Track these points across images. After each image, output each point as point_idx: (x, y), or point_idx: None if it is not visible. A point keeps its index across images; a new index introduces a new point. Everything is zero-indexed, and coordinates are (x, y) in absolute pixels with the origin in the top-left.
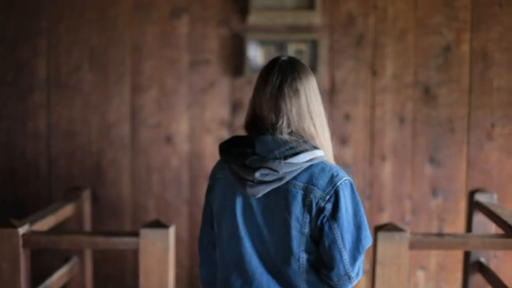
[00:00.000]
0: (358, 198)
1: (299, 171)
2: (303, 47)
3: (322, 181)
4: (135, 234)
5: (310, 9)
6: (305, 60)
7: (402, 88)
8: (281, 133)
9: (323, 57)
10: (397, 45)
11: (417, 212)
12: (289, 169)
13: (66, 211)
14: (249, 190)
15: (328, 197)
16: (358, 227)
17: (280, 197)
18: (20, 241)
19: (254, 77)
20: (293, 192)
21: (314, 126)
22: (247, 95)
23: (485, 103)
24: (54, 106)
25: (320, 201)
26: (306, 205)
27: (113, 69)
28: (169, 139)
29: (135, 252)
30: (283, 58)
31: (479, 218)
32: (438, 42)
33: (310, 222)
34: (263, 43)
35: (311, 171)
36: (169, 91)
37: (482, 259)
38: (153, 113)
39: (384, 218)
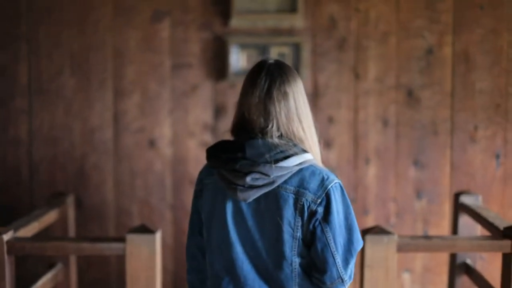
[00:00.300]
0: (348, 200)
1: (289, 175)
2: (286, 50)
3: (313, 185)
4: (121, 239)
5: (292, 12)
6: (288, 63)
7: (385, 91)
8: (271, 137)
9: (306, 61)
10: (380, 48)
11: (402, 214)
12: (280, 173)
13: (50, 216)
14: (240, 195)
15: (319, 200)
16: (349, 230)
17: (271, 201)
18: (5, 248)
19: (237, 81)
20: (284, 196)
21: (303, 129)
22: (230, 98)
23: (467, 106)
24: (36, 112)
25: (312, 204)
26: (298, 208)
27: (95, 74)
28: (152, 144)
29: (120, 257)
30: (270, 61)
31: (464, 220)
32: (420, 45)
33: (302, 226)
34: (245, 46)
35: (302, 174)
36: (151, 95)
37: (468, 261)
38: (136, 117)
39: (369, 221)
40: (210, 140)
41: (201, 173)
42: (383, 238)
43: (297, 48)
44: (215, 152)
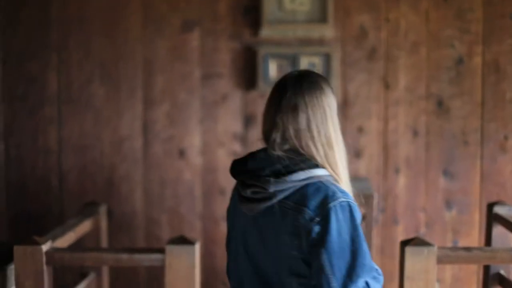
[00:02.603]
0: (358, 222)
1: (292, 190)
2: (316, 60)
3: (314, 202)
4: (161, 250)
5: (322, 22)
6: (318, 73)
7: (415, 101)
8: (275, 149)
9: (335, 70)
10: (410, 58)
11: (431, 224)
12: (280, 187)
13: (84, 226)
14: (244, 207)
15: (317, 219)
16: (353, 254)
17: (273, 216)
18: (44, 259)
19: (267, 91)
20: (284, 212)
21: (315, 145)
22: (259, 108)
23: (498, 116)
24: (65, 120)
25: (309, 222)
26: (295, 226)
27: (124, 83)
28: (181, 153)
29: (149, 268)
30: (294, 73)
31: (498, 231)
32: (450, 55)
33: (300, 244)
34: (275, 56)
35: (305, 190)
36: (181, 105)
37: (502, 272)
38: (165, 127)
39: (399, 231)
40: (239, 149)
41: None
42: (423, 250)
43: (327, 58)
44: (234, 164)
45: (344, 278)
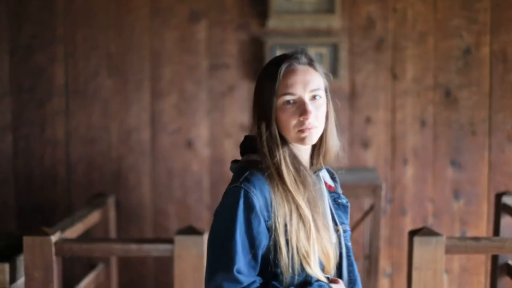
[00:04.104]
0: (241, 214)
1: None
2: (323, 50)
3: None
4: (169, 241)
5: (330, 12)
6: (325, 63)
7: (422, 91)
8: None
9: (343, 61)
10: (417, 48)
11: (439, 215)
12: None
13: (93, 218)
14: None
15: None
16: (218, 247)
17: None
18: (53, 249)
19: None
20: None
21: (254, 125)
22: None
23: (505, 106)
24: (73, 112)
25: None
26: None
27: (132, 75)
28: (189, 144)
29: (157, 258)
30: None
31: (506, 221)
32: (458, 45)
33: None
34: (283, 47)
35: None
36: (188, 96)
37: (510, 262)
38: (173, 118)
39: (407, 222)
40: None
41: None
42: (431, 240)
43: (334, 49)
44: None
45: (207, 271)
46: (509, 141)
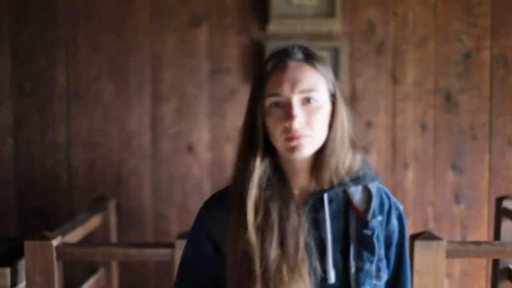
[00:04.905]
0: (193, 228)
1: None
2: (324, 54)
3: None
4: (170, 245)
5: (330, 16)
6: None
7: (423, 95)
8: None
9: (343, 65)
10: (418, 52)
11: (440, 219)
12: None
13: (94, 222)
14: None
15: None
16: None
17: None
18: (54, 253)
19: None
20: None
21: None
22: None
23: (506, 110)
24: (74, 116)
25: None
26: None
27: (133, 79)
28: (190, 148)
29: (158, 262)
30: None
31: (507, 225)
32: (458, 49)
33: None
34: None
35: None
36: (189, 100)
37: (511, 266)
38: (174, 122)
39: (407, 225)
40: None
41: None
42: (432, 244)
43: (335, 53)
44: None
45: None
46: (510, 145)
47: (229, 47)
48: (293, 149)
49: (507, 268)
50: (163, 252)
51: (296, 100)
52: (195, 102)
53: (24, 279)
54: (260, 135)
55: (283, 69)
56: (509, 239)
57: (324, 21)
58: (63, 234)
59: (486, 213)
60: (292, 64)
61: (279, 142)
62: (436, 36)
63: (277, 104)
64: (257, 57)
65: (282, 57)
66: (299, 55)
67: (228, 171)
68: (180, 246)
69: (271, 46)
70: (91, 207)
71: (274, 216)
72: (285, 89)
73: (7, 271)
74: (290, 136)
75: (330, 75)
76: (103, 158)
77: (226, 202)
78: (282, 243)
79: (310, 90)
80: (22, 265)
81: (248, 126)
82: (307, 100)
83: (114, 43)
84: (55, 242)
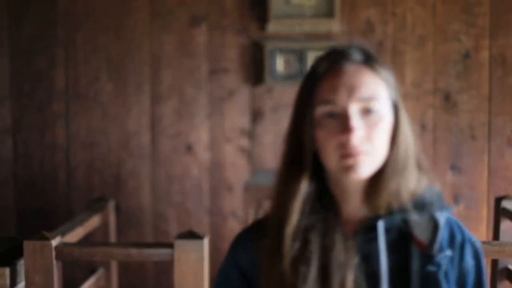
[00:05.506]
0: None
1: None
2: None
3: None
4: (169, 245)
5: (329, 16)
6: None
7: (422, 96)
8: None
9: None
10: (416, 52)
11: None
12: None
13: (93, 222)
14: None
15: None
16: None
17: None
18: (53, 254)
19: (274, 86)
20: None
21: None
22: (267, 103)
23: (505, 110)
24: (73, 116)
25: None
26: None
27: (131, 79)
28: (189, 149)
29: (157, 262)
30: None
31: (506, 225)
32: (457, 49)
33: None
34: (282, 51)
35: None
36: (188, 100)
37: (510, 266)
38: (172, 122)
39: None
40: (247, 145)
41: None
42: None
43: None
44: None
45: None
46: (509, 145)
47: (228, 47)
48: (348, 168)
49: (506, 268)
50: (162, 252)
51: (354, 109)
52: (194, 103)
53: (23, 279)
54: (308, 151)
55: (339, 72)
56: (508, 239)
57: (323, 21)
58: (63, 234)
59: (485, 213)
60: (349, 67)
61: (331, 159)
62: (435, 36)
63: (330, 115)
64: (256, 57)
65: (337, 58)
66: (358, 56)
67: (227, 171)
68: (179, 246)
69: (270, 46)
70: (90, 207)
71: (314, 247)
72: (341, 97)
73: (6, 271)
74: (346, 152)
75: (392, 80)
76: (102, 158)
77: (262, 231)
78: (324, 280)
79: (370, 99)
80: (21, 265)
81: (292, 140)
82: (366, 111)
83: (113, 43)
84: (54, 242)
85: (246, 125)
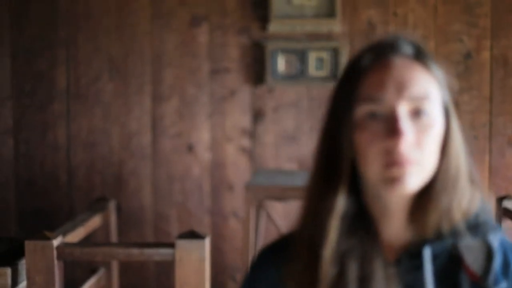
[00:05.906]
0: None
1: None
2: (324, 55)
3: None
4: (171, 245)
5: (330, 17)
6: (326, 68)
7: None
8: None
9: (343, 65)
10: None
11: None
12: None
13: (94, 222)
14: None
15: None
16: None
17: None
18: (55, 253)
19: (275, 86)
20: None
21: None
22: (268, 103)
23: (506, 110)
24: (74, 116)
25: None
26: None
27: (133, 79)
28: (190, 148)
29: (158, 262)
30: None
31: (507, 225)
32: (458, 50)
33: None
34: (284, 51)
35: None
36: (190, 100)
37: None
38: (174, 122)
39: None
40: (248, 145)
41: None
42: None
43: (335, 53)
44: None
45: None
46: (510, 145)
47: (229, 47)
48: (394, 180)
49: None
50: (164, 252)
51: (403, 110)
52: (195, 102)
53: (24, 279)
54: (346, 158)
55: (386, 67)
56: (510, 239)
57: (324, 22)
58: (64, 234)
59: None
60: (398, 61)
61: (372, 169)
62: (436, 36)
63: (374, 115)
64: (258, 57)
65: (385, 50)
66: (408, 49)
67: (228, 171)
68: (181, 246)
69: (271, 46)
70: (91, 207)
71: (352, 276)
72: (389, 94)
73: (8, 271)
74: (392, 160)
75: (444, 80)
76: (103, 158)
77: (285, 253)
78: None
79: (422, 98)
80: (22, 265)
81: (326, 145)
82: (417, 112)
83: (114, 43)
84: (55, 242)
85: (247, 125)
